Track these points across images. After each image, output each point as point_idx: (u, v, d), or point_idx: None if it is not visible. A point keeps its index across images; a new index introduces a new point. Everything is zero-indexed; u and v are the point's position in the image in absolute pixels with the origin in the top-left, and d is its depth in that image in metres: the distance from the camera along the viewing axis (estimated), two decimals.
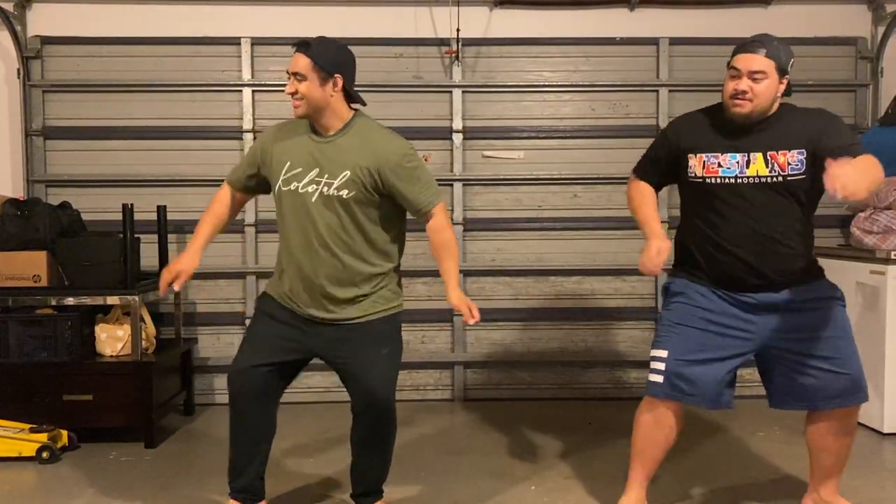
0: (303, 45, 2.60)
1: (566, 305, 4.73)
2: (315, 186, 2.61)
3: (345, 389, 2.77)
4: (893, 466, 3.58)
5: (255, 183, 2.82)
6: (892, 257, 3.87)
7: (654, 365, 2.72)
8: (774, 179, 2.61)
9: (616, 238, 4.72)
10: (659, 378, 2.69)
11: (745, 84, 2.56)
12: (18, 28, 4.47)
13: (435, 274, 4.67)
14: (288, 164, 2.65)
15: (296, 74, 2.58)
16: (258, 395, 2.73)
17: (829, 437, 2.73)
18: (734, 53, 2.64)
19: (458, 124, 4.63)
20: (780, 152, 2.61)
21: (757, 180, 2.61)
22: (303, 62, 2.57)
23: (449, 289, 2.70)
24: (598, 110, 4.71)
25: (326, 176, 2.60)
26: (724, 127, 2.66)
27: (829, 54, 4.73)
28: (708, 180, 2.65)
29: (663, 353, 2.70)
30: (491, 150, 4.70)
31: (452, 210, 4.65)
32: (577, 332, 4.75)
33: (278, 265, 2.78)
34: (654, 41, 4.65)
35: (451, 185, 4.66)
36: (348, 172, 2.59)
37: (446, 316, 4.69)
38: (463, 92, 4.64)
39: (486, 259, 4.72)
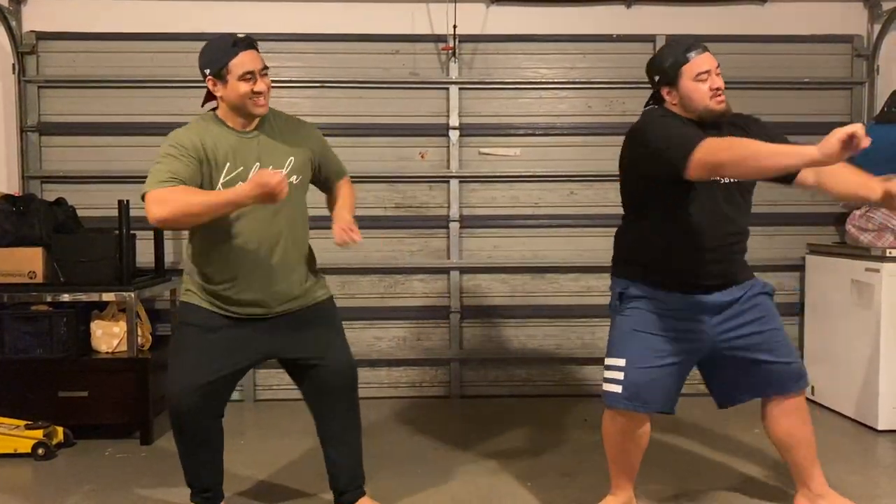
0: (251, 40, 2.60)
1: (562, 302, 4.74)
2: None
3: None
4: (888, 463, 3.60)
5: (198, 183, 2.56)
6: (887, 255, 3.88)
7: (611, 374, 2.70)
8: (731, 181, 2.64)
9: (612, 235, 4.69)
10: (617, 388, 2.67)
11: (718, 80, 2.61)
12: (13, 23, 4.46)
13: (431, 271, 4.71)
14: (228, 164, 2.57)
15: (263, 70, 2.57)
16: (211, 408, 2.65)
17: (789, 429, 2.78)
18: (683, 62, 2.59)
19: (454, 121, 4.63)
20: None
21: (725, 180, 2.63)
22: (261, 58, 2.59)
23: (345, 211, 2.78)
24: (594, 107, 4.71)
25: (271, 167, 2.56)
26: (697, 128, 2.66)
27: (824, 52, 4.74)
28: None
29: (621, 362, 2.68)
30: (488, 147, 4.70)
31: (449, 207, 4.66)
32: (573, 328, 4.75)
33: (206, 270, 2.63)
34: (650, 38, 4.65)
35: (448, 181, 4.66)
36: (292, 158, 2.63)
37: (443, 313, 4.70)
38: (460, 88, 4.64)
39: (483, 256, 4.72)
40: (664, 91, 2.68)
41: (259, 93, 2.55)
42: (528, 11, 4.65)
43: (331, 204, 2.89)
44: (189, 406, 2.59)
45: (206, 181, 2.56)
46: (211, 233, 2.58)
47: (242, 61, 2.54)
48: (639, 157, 2.64)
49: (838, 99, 4.76)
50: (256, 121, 2.64)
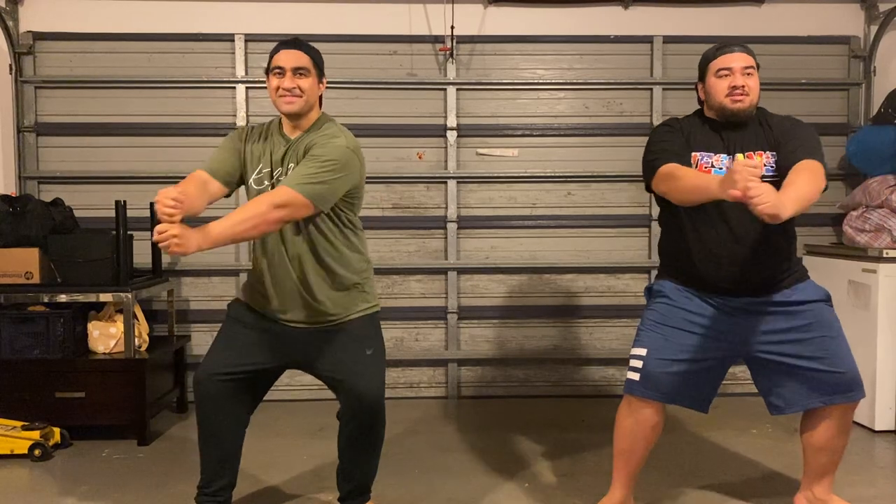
0: (298, 42, 2.62)
1: (560, 303, 4.74)
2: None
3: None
4: (885, 463, 3.60)
5: (235, 176, 2.66)
6: (884, 255, 3.89)
7: (633, 363, 2.72)
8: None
9: (609, 236, 4.74)
10: (636, 376, 2.69)
11: (741, 80, 2.62)
12: (10, 24, 4.45)
13: (429, 271, 4.72)
14: (261, 164, 2.62)
15: (299, 70, 2.57)
16: (225, 401, 2.67)
17: (825, 436, 2.73)
18: (712, 59, 2.68)
19: (452, 122, 4.63)
20: (756, 153, 2.66)
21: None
22: (304, 58, 2.59)
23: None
24: (592, 108, 4.72)
25: (280, 172, 2.60)
26: (711, 129, 2.71)
27: (821, 53, 4.75)
28: None
29: (642, 352, 2.70)
30: (485, 148, 4.70)
31: (446, 207, 4.66)
32: (570, 329, 4.75)
33: (252, 270, 2.75)
34: (648, 39, 4.66)
35: (445, 182, 4.66)
36: (293, 166, 2.59)
37: (440, 313, 4.70)
38: (457, 89, 4.64)
39: (480, 256, 4.72)
40: (699, 87, 2.76)
41: (287, 90, 2.55)
42: (525, 12, 4.65)
43: None
44: (206, 392, 2.66)
45: (243, 174, 2.67)
46: (255, 245, 2.70)
47: (278, 57, 2.58)
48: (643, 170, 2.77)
49: (835, 100, 4.77)
50: (307, 125, 2.63)
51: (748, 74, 2.64)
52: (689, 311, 2.70)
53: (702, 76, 2.75)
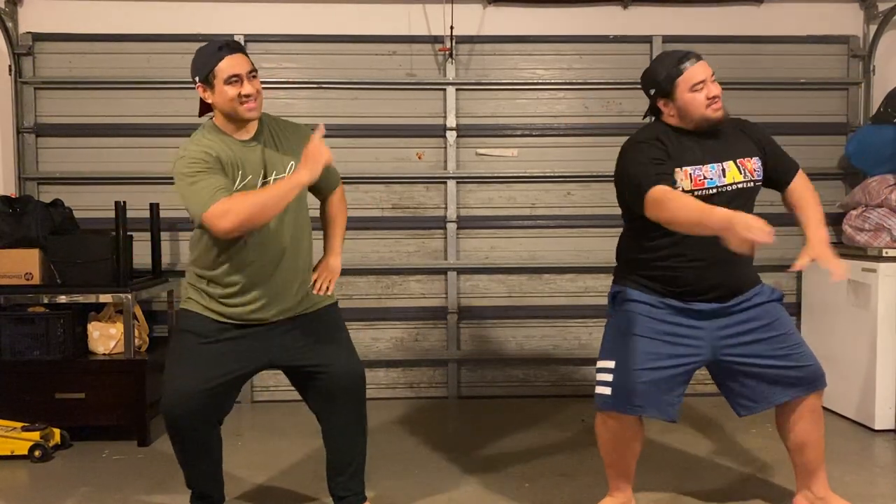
0: (236, 44, 2.60)
1: (560, 303, 4.74)
2: None
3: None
4: (884, 463, 3.60)
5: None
6: (884, 255, 3.89)
7: (602, 376, 2.70)
8: (747, 185, 2.67)
9: (609, 236, 4.69)
10: (607, 390, 2.67)
11: (714, 89, 2.62)
12: (10, 24, 4.45)
13: (429, 271, 4.72)
14: (240, 173, 2.56)
15: (252, 72, 2.54)
16: (205, 419, 2.62)
17: (801, 430, 2.77)
18: (677, 75, 2.62)
19: (451, 122, 4.63)
20: (745, 159, 2.69)
21: (734, 188, 2.65)
22: (249, 60, 2.56)
23: (333, 255, 2.83)
24: (591, 108, 4.72)
25: (274, 173, 2.58)
26: (690, 141, 2.67)
27: (820, 53, 4.75)
28: (696, 193, 2.59)
29: (610, 364, 2.68)
30: (484, 148, 4.70)
31: (446, 207, 4.66)
32: (570, 329, 4.75)
33: (208, 277, 2.62)
34: (647, 39, 4.66)
35: (445, 182, 4.66)
36: (293, 163, 2.60)
37: (440, 313, 4.70)
38: (456, 89, 4.64)
39: (480, 257, 4.72)
40: (660, 103, 2.71)
41: (247, 95, 2.51)
42: (524, 12, 4.65)
43: (323, 218, 2.89)
44: (184, 413, 2.56)
45: None
46: (219, 244, 2.57)
47: (228, 65, 2.50)
48: (617, 181, 2.73)
49: (834, 99, 4.77)
50: (255, 128, 2.61)
51: (713, 81, 2.64)
52: (656, 319, 2.68)
53: (667, 93, 2.65)
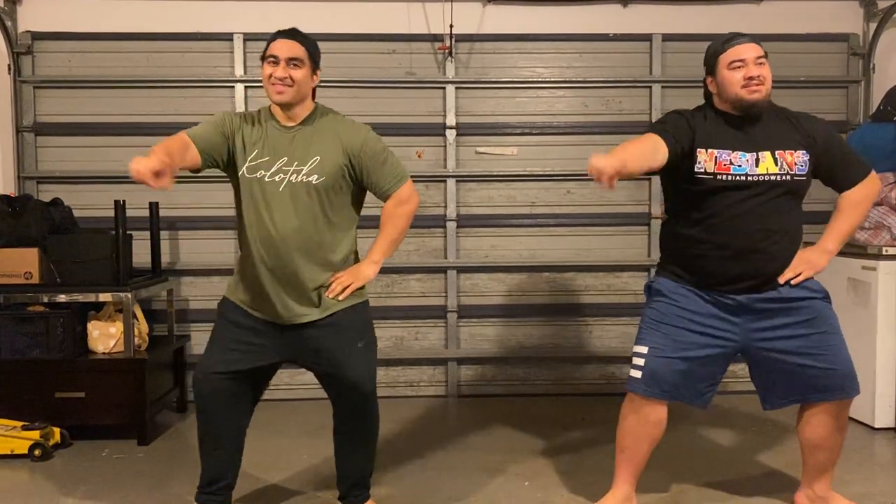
0: (295, 32, 2.63)
1: (559, 301, 4.74)
2: (282, 175, 2.59)
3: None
4: (884, 461, 3.61)
5: (213, 154, 2.60)
6: (884, 253, 3.89)
7: (635, 361, 2.75)
8: (782, 178, 2.63)
9: (609, 234, 4.74)
10: (638, 374, 2.71)
11: (755, 69, 2.59)
12: (9, 23, 4.44)
13: (428, 270, 4.71)
14: (256, 151, 2.61)
15: (292, 60, 2.57)
16: (226, 399, 2.70)
17: (821, 433, 2.74)
18: (721, 51, 2.63)
19: (451, 120, 4.63)
20: (787, 151, 2.64)
21: (766, 178, 2.62)
22: (299, 49, 2.59)
23: (370, 260, 2.79)
24: (591, 106, 4.72)
25: (296, 164, 2.60)
26: (728, 124, 2.66)
27: (820, 50, 4.75)
28: (719, 177, 2.60)
29: (643, 350, 2.72)
30: (484, 147, 4.70)
31: (446, 206, 4.66)
32: (570, 328, 4.76)
33: (239, 268, 2.74)
34: (647, 37, 4.66)
35: (445, 181, 4.66)
36: (318, 157, 2.61)
37: (440, 312, 4.70)
38: (456, 88, 4.64)
39: (480, 255, 4.72)
40: (708, 81, 2.71)
41: (278, 78, 2.55)
42: (524, 11, 4.65)
43: (385, 220, 2.83)
44: (206, 389, 2.68)
45: (231, 159, 2.63)
46: (241, 234, 2.69)
47: (274, 46, 2.59)
48: None
49: (834, 97, 4.77)
50: (301, 117, 2.65)
51: (760, 64, 2.61)
52: (688, 310, 2.71)
53: (711, 70, 2.68)
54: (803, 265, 2.69)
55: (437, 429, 4.07)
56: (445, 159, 4.66)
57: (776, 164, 2.62)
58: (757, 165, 2.61)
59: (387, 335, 4.70)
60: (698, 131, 2.65)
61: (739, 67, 2.59)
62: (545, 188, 4.71)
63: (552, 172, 4.70)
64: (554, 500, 3.09)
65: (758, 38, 2.67)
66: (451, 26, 4.44)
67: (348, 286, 2.68)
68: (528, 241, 4.72)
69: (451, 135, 4.64)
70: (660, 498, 3.09)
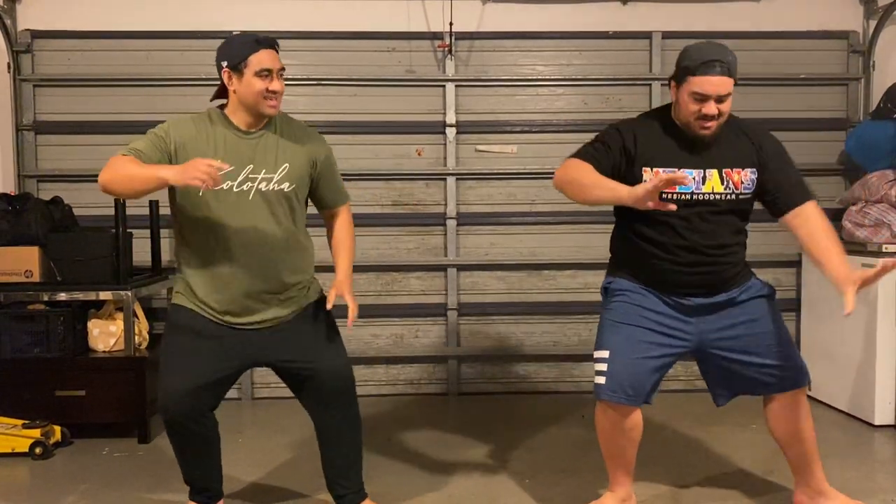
0: (273, 41, 2.59)
1: (559, 299, 4.74)
2: (251, 184, 2.54)
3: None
4: (884, 458, 3.61)
5: None
6: (884, 250, 3.89)
7: (598, 366, 2.71)
8: (728, 197, 2.64)
9: (609, 232, 4.70)
10: (602, 379, 2.68)
11: (714, 108, 2.53)
12: (8, 22, 4.44)
13: (429, 268, 4.71)
14: (219, 161, 2.48)
15: (281, 71, 2.57)
16: (200, 415, 2.62)
17: (787, 427, 2.78)
18: (692, 73, 2.53)
19: (451, 118, 4.63)
20: (734, 170, 2.65)
21: (711, 197, 2.63)
22: (279, 59, 2.58)
23: (343, 274, 2.76)
24: (590, 104, 4.71)
25: (264, 171, 2.56)
26: (678, 140, 2.65)
27: (820, 48, 4.74)
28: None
29: (605, 354, 2.69)
30: (484, 145, 4.70)
31: (446, 204, 4.66)
32: (570, 325, 4.76)
33: (193, 274, 2.60)
34: (646, 35, 4.66)
35: (445, 179, 4.66)
36: (287, 165, 2.59)
37: (440, 310, 4.70)
38: (456, 86, 4.64)
39: (480, 253, 4.72)
40: (671, 84, 2.65)
41: (273, 92, 2.54)
42: (523, 8, 4.65)
43: (329, 237, 2.83)
44: (179, 411, 2.57)
45: None
46: (195, 242, 2.58)
47: (262, 58, 2.53)
48: None
49: (834, 95, 4.77)
50: (263, 122, 2.61)
51: (723, 101, 2.54)
52: (647, 309, 2.71)
53: (678, 79, 2.59)
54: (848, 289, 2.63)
55: (436, 426, 4.08)
56: (445, 157, 4.66)
57: (722, 184, 2.63)
58: (703, 183, 2.62)
59: (387, 333, 4.70)
60: (641, 150, 2.63)
61: (700, 101, 2.54)
62: (545, 186, 4.71)
63: (552, 170, 4.61)
64: (554, 499, 3.10)
65: (733, 65, 2.55)
66: (451, 24, 4.44)
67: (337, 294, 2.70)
68: (528, 238, 4.72)
69: (450, 133, 4.64)
70: (659, 495, 3.10)
